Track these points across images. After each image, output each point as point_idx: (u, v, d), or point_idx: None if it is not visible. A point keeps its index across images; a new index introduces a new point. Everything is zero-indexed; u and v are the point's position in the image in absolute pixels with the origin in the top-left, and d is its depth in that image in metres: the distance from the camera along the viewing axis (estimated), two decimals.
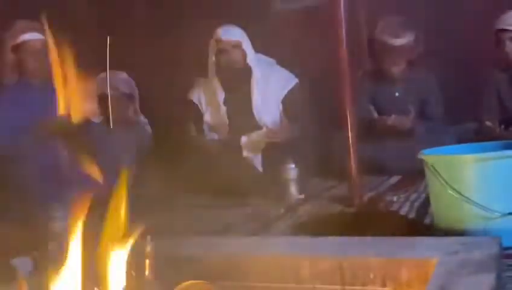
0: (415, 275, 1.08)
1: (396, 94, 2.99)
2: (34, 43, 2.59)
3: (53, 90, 2.93)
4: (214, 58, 2.96)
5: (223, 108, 3.01)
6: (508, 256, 1.28)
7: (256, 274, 1.23)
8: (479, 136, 2.50)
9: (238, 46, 2.90)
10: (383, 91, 3.00)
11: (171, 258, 1.25)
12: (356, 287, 1.14)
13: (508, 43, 2.74)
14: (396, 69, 2.96)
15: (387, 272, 1.11)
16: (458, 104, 2.91)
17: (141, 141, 3.00)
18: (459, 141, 2.28)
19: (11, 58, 2.61)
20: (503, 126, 2.77)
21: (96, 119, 2.99)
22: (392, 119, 2.86)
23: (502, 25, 2.76)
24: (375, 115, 3.00)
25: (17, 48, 2.60)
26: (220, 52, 2.92)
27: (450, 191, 1.43)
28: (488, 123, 2.76)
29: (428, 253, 1.11)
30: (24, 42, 2.58)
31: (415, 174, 2.02)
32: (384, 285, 1.11)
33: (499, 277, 0.99)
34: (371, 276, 1.12)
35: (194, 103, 3.09)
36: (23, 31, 2.59)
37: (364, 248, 1.21)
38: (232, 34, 2.92)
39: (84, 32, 3.44)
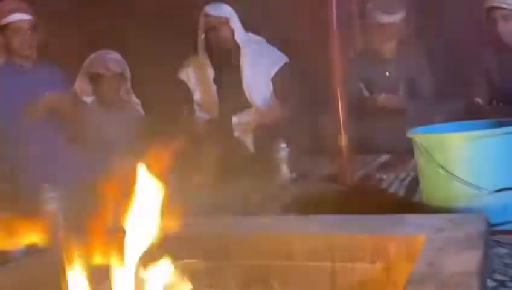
0: (404, 252, 1.09)
1: (387, 73, 2.99)
2: (21, 24, 2.56)
3: (42, 72, 2.92)
4: (203, 36, 2.94)
5: (213, 86, 3.00)
6: (495, 233, 1.30)
7: (248, 252, 1.24)
8: (468, 115, 2.51)
9: (226, 23, 2.89)
10: (373, 70, 3.00)
11: (164, 238, 1.26)
12: (346, 264, 1.15)
13: (499, 21, 2.72)
14: (387, 46, 2.95)
15: (376, 249, 1.13)
16: (448, 83, 2.92)
17: (133, 121, 2.99)
18: (449, 119, 2.29)
19: None
20: (494, 102, 2.78)
21: (88, 99, 2.98)
22: (382, 98, 2.87)
23: (493, 3, 2.74)
24: (366, 93, 3.00)
25: (4, 29, 2.57)
26: (208, 29, 2.90)
27: (438, 169, 1.44)
28: (477, 100, 2.77)
29: (417, 230, 1.13)
30: (11, 23, 2.55)
31: (405, 152, 2.03)
32: (373, 262, 1.13)
33: (486, 254, 1.01)
34: (360, 253, 1.13)
35: (183, 81, 3.08)
36: (10, 12, 2.56)
37: (354, 225, 1.23)
38: (220, 10, 2.91)
39: (74, 13, 3.41)
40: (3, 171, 2.39)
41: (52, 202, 1.63)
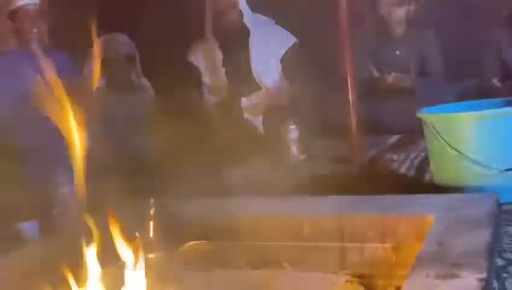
0: (413, 232, 1.10)
1: (397, 52, 2.97)
2: (29, 8, 2.57)
3: (52, 56, 2.91)
4: (211, 19, 2.93)
5: (222, 69, 3.00)
6: (505, 212, 1.30)
7: (258, 234, 1.25)
8: (479, 94, 2.49)
9: (234, 6, 2.87)
10: (383, 50, 2.97)
11: (174, 219, 1.27)
12: (356, 244, 1.16)
13: None
14: (397, 15, 2.88)
15: (386, 229, 1.13)
16: (459, 62, 2.89)
17: (144, 104, 2.99)
18: (460, 98, 2.27)
19: (8, 25, 2.59)
20: (507, 81, 2.75)
21: (98, 83, 2.98)
22: (392, 78, 2.85)
23: None
24: (375, 73, 2.98)
25: (14, 14, 2.57)
26: (216, 12, 2.89)
27: (448, 149, 1.44)
28: (490, 79, 2.74)
29: (427, 210, 1.13)
30: (19, 7, 2.56)
31: (415, 132, 2.02)
32: (383, 242, 1.14)
33: (495, 233, 1.01)
34: (370, 233, 1.14)
35: (193, 64, 3.07)
36: None
37: (364, 205, 1.23)
38: None
39: None
40: (16, 154, 2.41)
41: (64, 185, 1.64)
